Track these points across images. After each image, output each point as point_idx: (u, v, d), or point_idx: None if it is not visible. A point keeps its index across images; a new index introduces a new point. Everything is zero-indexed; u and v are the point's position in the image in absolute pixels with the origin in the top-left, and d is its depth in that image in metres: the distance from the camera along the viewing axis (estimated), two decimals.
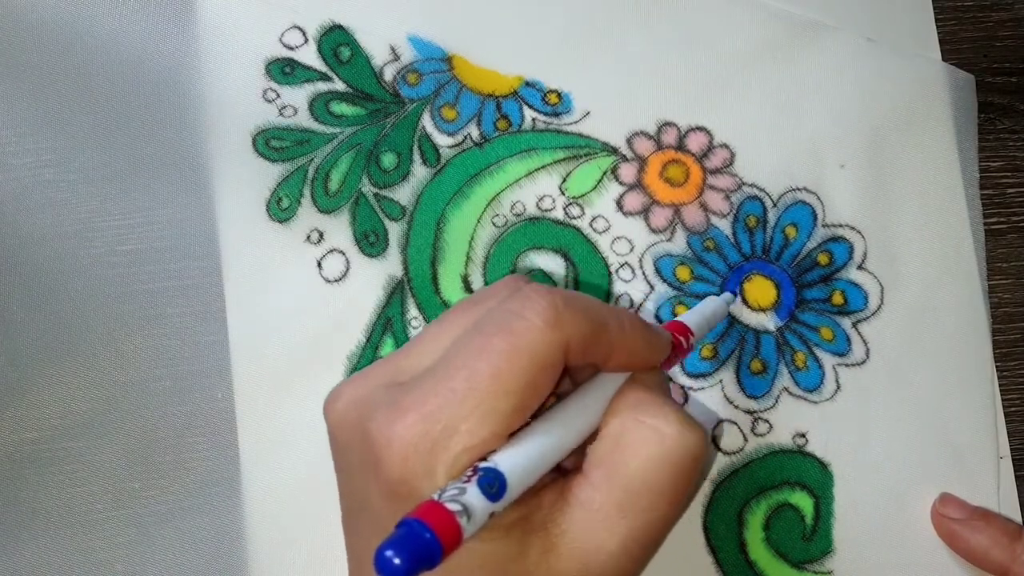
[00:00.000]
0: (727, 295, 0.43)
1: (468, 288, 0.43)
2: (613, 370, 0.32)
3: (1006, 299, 0.46)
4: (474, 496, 0.26)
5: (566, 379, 0.33)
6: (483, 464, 0.27)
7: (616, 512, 0.30)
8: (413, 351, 0.32)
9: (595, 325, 0.30)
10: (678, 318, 0.38)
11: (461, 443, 0.28)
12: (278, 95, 0.44)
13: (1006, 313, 0.46)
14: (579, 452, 0.31)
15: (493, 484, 0.27)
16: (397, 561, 0.24)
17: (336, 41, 0.45)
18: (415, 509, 0.25)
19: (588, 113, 0.45)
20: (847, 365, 0.44)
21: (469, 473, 0.27)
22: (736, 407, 0.43)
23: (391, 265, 0.43)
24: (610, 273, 0.44)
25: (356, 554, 0.32)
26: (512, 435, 0.29)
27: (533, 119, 0.45)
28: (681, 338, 0.35)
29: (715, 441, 0.43)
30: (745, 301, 0.44)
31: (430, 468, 0.27)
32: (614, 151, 0.45)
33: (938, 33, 0.47)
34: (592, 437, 0.32)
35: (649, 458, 0.30)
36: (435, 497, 0.26)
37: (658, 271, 0.44)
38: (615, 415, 0.31)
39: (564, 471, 0.31)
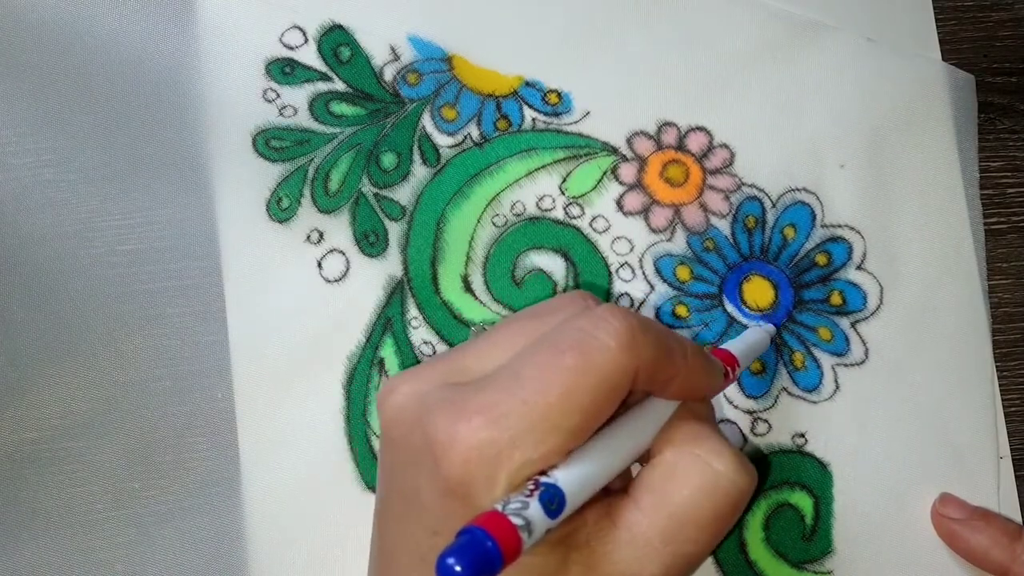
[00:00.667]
0: (770, 326, 0.43)
1: (468, 288, 0.43)
2: (669, 397, 0.32)
3: (1006, 299, 0.46)
4: (536, 511, 0.26)
5: None
6: (544, 479, 0.28)
7: (660, 540, 0.30)
8: (477, 352, 0.32)
9: (663, 352, 0.30)
10: (724, 346, 0.38)
11: (526, 455, 0.28)
12: (278, 95, 0.44)
13: (1006, 313, 0.46)
14: (623, 473, 0.32)
15: (553, 501, 0.27)
16: (458, 568, 0.24)
17: (336, 41, 0.45)
18: (478, 517, 0.25)
19: (588, 113, 0.45)
20: (846, 365, 0.44)
21: (531, 487, 0.27)
22: (736, 407, 0.43)
23: (391, 265, 0.43)
24: (610, 273, 0.44)
25: (389, 545, 0.32)
26: (569, 453, 0.29)
27: (533, 119, 0.45)
28: (728, 368, 0.36)
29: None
30: (744, 302, 0.44)
31: (491, 475, 0.28)
32: (614, 151, 0.45)
33: (938, 33, 0.47)
34: (640, 459, 0.32)
35: (700, 491, 0.30)
36: (499, 508, 0.26)
37: (658, 271, 0.44)
38: (670, 444, 0.32)
39: (607, 490, 0.31)
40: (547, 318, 0.32)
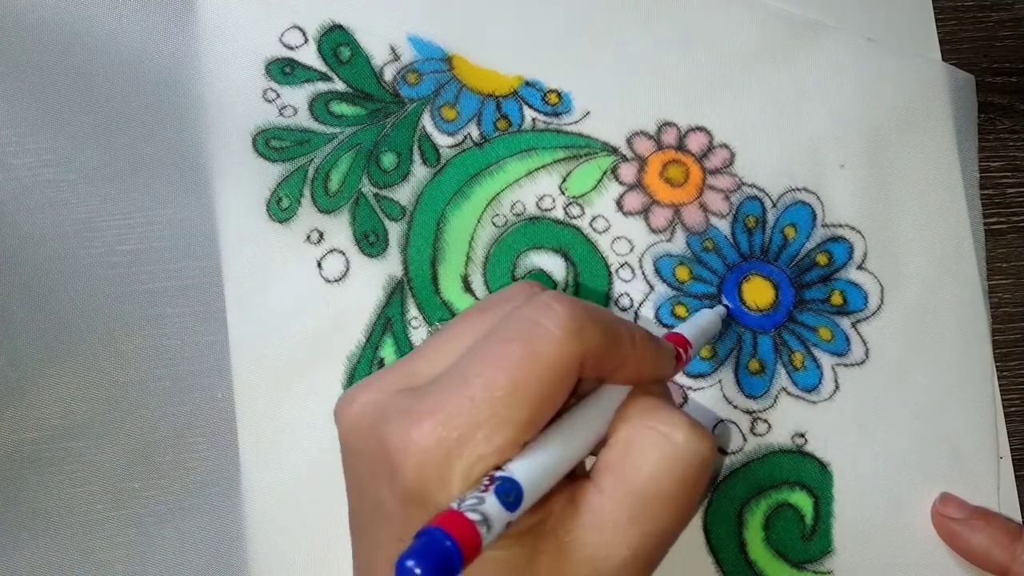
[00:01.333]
0: (720, 308, 0.43)
1: (468, 288, 0.43)
2: (619, 382, 0.32)
3: (1006, 299, 0.46)
4: (492, 506, 0.26)
5: None
6: (499, 473, 0.27)
7: (627, 519, 0.30)
8: (427, 355, 0.32)
9: (610, 338, 0.30)
10: (675, 329, 0.38)
11: (476, 451, 0.27)
12: (278, 95, 0.44)
13: (1006, 313, 0.46)
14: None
15: (510, 494, 0.27)
16: (419, 571, 0.24)
17: (336, 41, 0.45)
18: (435, 518, 0.25)
19: (588, 113, 0.45)
20: (846, 365, 0.44)
21: (486, 482, 0.27)
22: (735, 407, 0.43)
23: (391, 265, 0.43)
24: (610, 273, 0.44)
25: (364, 557, 0.32)
26: (525, 444, 0.29)
27: (533, 119, 0.45)
28: (681, 350, 0.36)
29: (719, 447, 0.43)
30: (744, 302, 0.44)
31: (445, 476, 0.27)
32: (614, 151, 0.45)
33: (938, 33, 0.47)
34: (600, 445, 0.32)
35: (660, 463, 0.30)
36: (454, 506, 0.26)
37: (658, 271, 0.44)
38: (625, 421, 0.31)
39: (572, 476, 0.31)
40: (495, 310, 0.32)
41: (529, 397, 0.28)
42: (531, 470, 0.28)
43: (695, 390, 0.43)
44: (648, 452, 0.30)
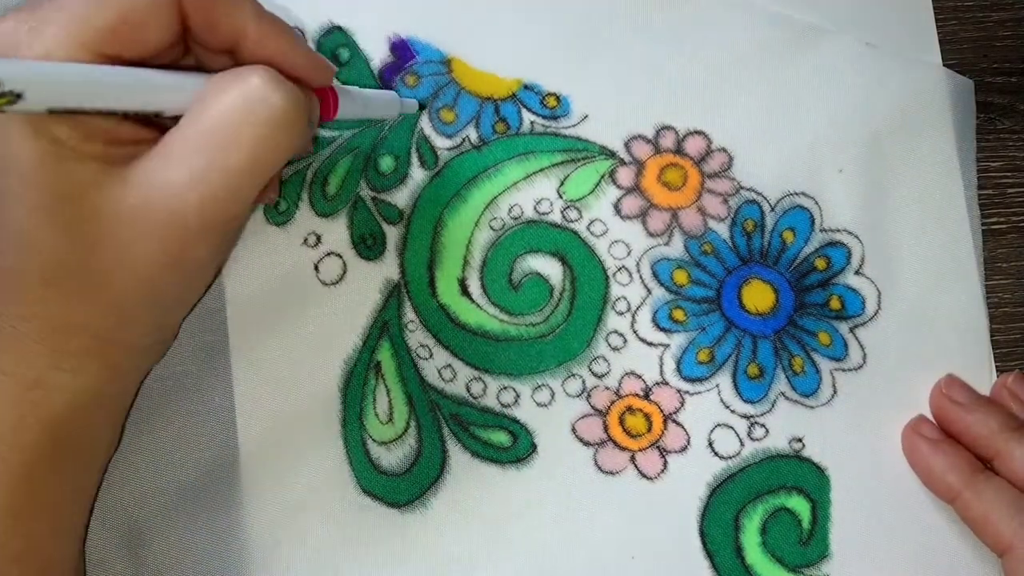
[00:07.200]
0: (412, 102, 0.43)
1: (465, 291, 0.43)
2: (248, 60, 0.33)
3: (1006, 299, 0.46)
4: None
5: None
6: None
7: (192, 149, 0.31)
8: None
9: None
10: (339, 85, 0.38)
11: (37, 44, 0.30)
12: None
13: (1006, 313, 0.46)
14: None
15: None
16: None
17: (335, 42, 0.45)
18: None
19: (586, 116, 0.45)
20: (844, 370, 0.44)
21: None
22: (732, 412, 0.43)
23: (388, 268, 0.43)
24: (607, 277, 0.44)
25: None
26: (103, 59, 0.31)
27: (531, 122, 0.44)
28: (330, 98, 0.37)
29: (711, 446, 0.43)
30: (742, 305, 0.44)
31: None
32: (612, 155, 0.44)
33: (938, 34, 0.47)
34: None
35: (232, 102, 0.31)
36: None
37: (655, 275, 0.44)
38: (219, 76, 0.33)
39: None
40: None
41: (108, 5, 0.30)
42: (46, 70, 0.29)
43: (692, 394, 0.43)
44: (223, 92, 0.31)
